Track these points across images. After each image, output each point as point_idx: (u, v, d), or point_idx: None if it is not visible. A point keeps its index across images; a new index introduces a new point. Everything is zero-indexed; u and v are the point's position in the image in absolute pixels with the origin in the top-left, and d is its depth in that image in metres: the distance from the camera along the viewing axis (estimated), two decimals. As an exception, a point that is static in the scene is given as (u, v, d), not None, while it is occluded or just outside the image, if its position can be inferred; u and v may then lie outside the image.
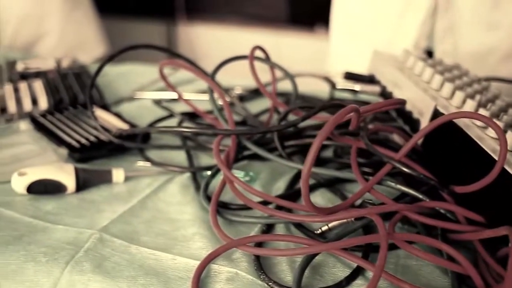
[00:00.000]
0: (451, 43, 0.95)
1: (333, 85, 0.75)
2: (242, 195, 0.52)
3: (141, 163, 0.60)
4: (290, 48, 1.51)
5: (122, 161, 0.62)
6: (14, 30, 1.24)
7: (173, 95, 0.78)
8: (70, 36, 1.32)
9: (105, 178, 0.57)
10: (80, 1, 1.33)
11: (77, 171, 0.55)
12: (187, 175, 0.59)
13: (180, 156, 0.63)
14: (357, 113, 0.48)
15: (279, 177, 0.59)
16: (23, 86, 0.78)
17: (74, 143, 0.62)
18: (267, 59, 0.67)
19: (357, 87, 0.68)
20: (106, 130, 0.61)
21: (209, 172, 0.58)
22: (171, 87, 0.68)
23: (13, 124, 0.69)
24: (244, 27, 1.62)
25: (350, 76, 0.72)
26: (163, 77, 0.67)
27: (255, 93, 0.81)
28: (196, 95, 0.77)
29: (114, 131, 0.60)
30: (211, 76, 0.63)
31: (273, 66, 0.67)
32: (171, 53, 0.66)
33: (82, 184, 0.55)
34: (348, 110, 0.46)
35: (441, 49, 1.02)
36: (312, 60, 1.36)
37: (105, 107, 0.73)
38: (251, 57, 0.63)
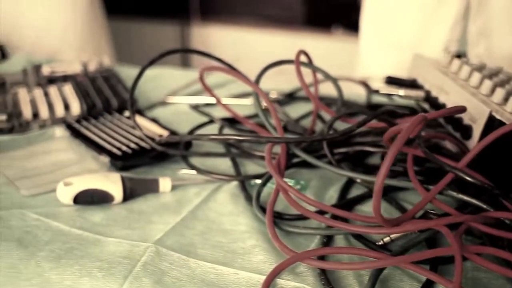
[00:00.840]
0: (484, 46, 0.93)
1: (375, 90, 0.72)
2: (298, 205, 0.50)
3: (185, 171, 0.58)
4: (307, 49, 1.49)
5: (165, 169, 0.60)
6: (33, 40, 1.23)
7: (207, 99, 0.77)
8: (85, 44, 1.30)
9: (152, 188, 0.55)
10: (93, 10, 1.31)
11: (123, 180, 0.53)
12: (234, 183, 0.57)
13: (223, 164, 0.61)
14: (423, 122, 0.47)
15: (329, 185, 0.57)
16: (53, 90, 0.76)
17: (114, 150, 0.60)
18: (310, 63, 0.65)
19: (401, 92, 0.66)
20: (149, 137, 0.59)
21: (257, 181, 0.57)
22: (210, 92, 0.66)
23: (47, 130, 0.67)
24: (259, 28, 1.60)
25: (391, 81, 0.71)
26: (203, 82, 0.65)
27: (289, 97, 0.79)
28: (234, 100, 0.75)
29: (159, 138, 0.58)
30: (255, 81, 0.61)
31: (315, 70, 0.66)
32: (211, 57, 0.64)
33: (129, 194, 0.53)
34: (419, 119, 0.44)
35: (474, 53, 1.00)
36: (329, 62, 1.34)
37: (139, 112, 0.71)
38: (297, 62, 0.61)
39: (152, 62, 0.61)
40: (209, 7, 1.67)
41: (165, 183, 0.55)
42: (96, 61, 0.87)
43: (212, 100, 0.75)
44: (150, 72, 0.91)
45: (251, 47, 1.56)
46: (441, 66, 0.68)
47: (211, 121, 0.67)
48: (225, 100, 0.73)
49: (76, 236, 0.48)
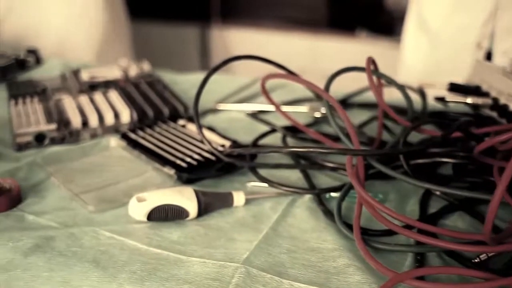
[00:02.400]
0: (511, 43, 0.92)
1: (440, 98, 0.70)
2: (385, 220, 0.48)
3: (256, 184, 0.56)
4: (329, 52, 1.48)
5: (232, 181, 0.57)
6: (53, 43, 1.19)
7: (260, 106, 0.74)
8: (108, 48, 1.27)
9: (226, 202, 0.52)
10: (116, 14, 1.28)
11: (197, 195, 0.51)
12: (308, 196, 0.54)
13: (292, 175, 0.58)
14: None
15: (407, 198, 0.55)
16: (98, 97, 0.73)
17: (178, 162, 0.57)
18: (375, 71, 0.63)
19: (468, 99, 0.64)
20: (214, 147, 0.56)
21: (334, 194, 0.54)
22: (271, 100, 0.63)
23: (101, 140, 0.65)
24: (281, 30, 1.57)
25: (455, 88, 0.69)
26: (265, 91, 0.63)
27: (342, 103, 0.77)
28: (289, 108, 0.72)
29: (229, 150, 0.56)
30: (325, 89, 0.58)
31: (381, 76, 0.63)
32: (275, 64, 0.61)
33: (204, 210, 0.51)
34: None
35: (501, 49, 0.99)
36: (353, 65, 1.32)
37: (192, 120, 0.68)
38: (368, 69, 0.59)
39: (215, 69, 0.58)
40: (230, 10, 1.64)
41: (239, 197, 0.52)
42: (136, 66, 0.84)
43: (266, 107, 0.73)
44: (193, 78, 0.90)
45: (273, 50, 1.53)
46: (507, 73, 0.66)
47: (273, 130, 0.65)
48: (285, 108, 0.70)
49: (155, 255, 0.46)
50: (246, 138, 0.66)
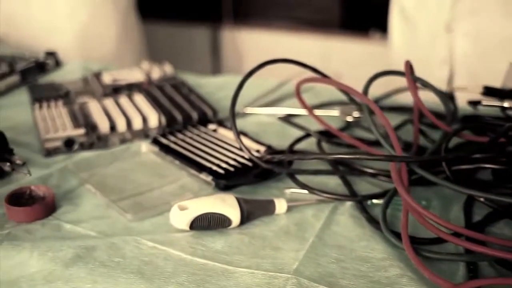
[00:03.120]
0: (472, 25, 0.93)
1: (475, 101, 0.68)
2: (434, 227, 0.46)
3: (293, 190, 0.55)
4: (342, 53, 1.46)
5: (270, 188, 0.56)
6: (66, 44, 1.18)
7: (289, 110, 0.73)
8: (123, 49, 1.26)
9: (268, 210, 0.51)
10: (130, 15, 1.27)
11: (240, 203, 0.49)
12: (349, 203, 0.53)
13: (330, 181, 0.56)
14: None
15: (449, 204, 0.54)
16: (124, 100, 0.72)
17: (215, 168, 0.56)
18: (412, 74, 0.61)
19: (506, 103, 0.63)
20: (251, 153, 0.54)
21: (375, 201, 0.53)
22: (305, 105, 0.62)
23: (131, 145, 0.63)
24: (293, 31, 1.56)
25: (490, 91, 0.68)
26: (299, 95, 0.62)
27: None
28: (323, 111, 0.70)
29: (266, 155, 0.54)
30: (363, 93, 0.57)
31: (417, 80, 0.62)
32: (310, 68, 0.60)
33: (246, 217, 0.49)
34: None
35: (461, 31, 0.99)
36: (366, 67, 1.31)
37: (221, 124, 0.67)
38: (408, 73, 0.57)
39: (251, 73, 0.57)
40: (242, 11, 1.63)
41: (281, 205, 0.51)
42: (158, 68, 0.83)
43: (296, 111, 0.71)
44: (216, 81, 0.88)
45: (285, 51, 1.51)
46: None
47: (308, 135, 0.63)
48: (304, 111, 0.69)
49: (201, 266, 0.44)
50: (277, 142, 0.65)
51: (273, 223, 0.50)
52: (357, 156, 0.51)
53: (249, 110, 0.73)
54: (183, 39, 1.64)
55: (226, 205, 0.49)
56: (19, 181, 0.56)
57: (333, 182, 0.57)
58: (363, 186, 0.57)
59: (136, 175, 0.57)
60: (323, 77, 0.61)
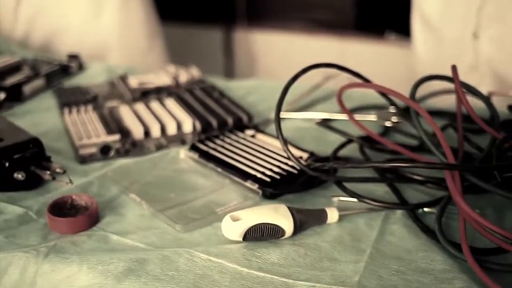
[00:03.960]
0: (496, 31, 0.92)
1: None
2: (494, 237, 0.45)
3: (342, 199, 0.53)
4: (357, 55, 1.45)
5: (317, 196, 0.54)
6: (73, 41, 1.16)
7: (326, 115, 0.71)
8: (130, 43, 1.24)
9: (319, 220, 0.49)
10: (149, 17, 1.25)
11: (292, 212, 0.48)
12: (400, 212, 0.51)
13: (377, 189, 0.55)
14: None
15: (503, 213, 0.52)
16: (155, 105, 0.70)
17: (259, 175, 0.54)
18: (456, 78, 0.60)
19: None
20: (300, 161, 0.53)
21: (427, 209, 0.52)
22: (346, 110, 0.61)
23: (169, 151, 0.61)
24: (308, 33, 1.54)
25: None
26: (340, 101, 0.60)
27: (405, 111, 0.74)
28: (361, 116, 0.69)
29: (312, 162, 0.53)
30: (410, 98, 0.56)
31: (463, 85, 0.60)
32: (352, 73, 0.58)
33: (299, 227, 0.48)
34: None
35: (487, 36, 0.98)
36: (382, 68, 1.30)
37: (257, 128, 0.65)
38: (456, 78, 0.56)
39: (295, 78, 0.55)
40: (256, 12, 1.61)
41: (332, 214, 0.49)
42: (186, 72, 0.81)
43: (333, 116, 0.70)
44: (246, 85, 0.86)
45: (299, 53, 1.50)
46: None
47: (350, 141, 0.62)
48: (341, 116, 0.67)
49: (259, 279, 0.43)
50: (315, 148, 0.63)
51: (326, 233, 0.49)
52: (415, 165, 0.50)
53: (284, 114, 0.71)
54: (196, 41, 1.62)
55: (279, 215, 0.47)
56: (57, 190, 0.54)
57: (380, 189, 0.55)
58: (411, 193, 0.55)
59: (177, 183, 0.56)
60: (365, 82, 0.60)
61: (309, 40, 1.51)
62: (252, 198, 0.53)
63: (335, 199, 0.54)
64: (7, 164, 0.52)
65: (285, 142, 0.53)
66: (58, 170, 0.52)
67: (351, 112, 0.74)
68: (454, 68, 0.58)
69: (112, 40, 1.15)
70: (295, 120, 0.72)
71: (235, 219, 0.46)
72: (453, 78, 0.57)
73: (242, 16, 1.61)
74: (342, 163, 0.53)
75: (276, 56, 1.56)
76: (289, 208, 0.48)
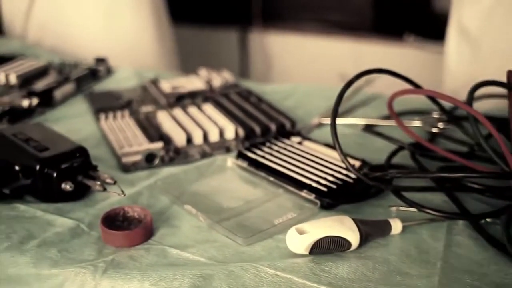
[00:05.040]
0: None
1: None
2: None
3: (401, 208, 0.52)
4: (374, 57, 1.43)
5: (374, 206, 0.52)
6: (85, 46, 1.13)
7: (369, 120, 0.70)
8: (146, 46, 1.21)
9: (383, 231, 0.47)
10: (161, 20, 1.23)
11: (357, 224, 0.46)
12: (461, 222, 0.49)
13: (435, 198, 0.53)
14: None
15: None
16: (194, 110, 0.68)
17: (315, 185, 0.52)
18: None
19: None
20: (356, 169, 0.51)
21: (490, 219, 0.50)
22: (396, 117, 0.59)
23: (214, 159, 0.60)
24: (324, 34, 1.52)
25: None
26: (391, 108, 0.59)
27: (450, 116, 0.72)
28: (407, 122, 0.67)
29: (369, 172, 0.51)
30: (467, 103, 0.54)
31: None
32: (405, 79, 0.57)
33: (364, 240, 0.46)
34: None
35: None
36: (400, 70, 1.28)
37: (300, 134, 0.63)
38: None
39: (350, 84, 0.53)
40: (271, 14, 1.59)
41: (396, 225, 0.48)
42: (219, 76, 0.79)
43: (376, 122, 0.69)
44: (281, 89, 0.85)
45: (315, 55, 1.48)
46: None
47: (401, 148, 0.60)
48: (386, 122, 0.66)
49: (331, 296, 0.41)
50: (360, 154, 0.62)
51: (391, 245, 0.47)
52: (485, 175, 0.49)
53: (325, 120, 0.70)
54: (211, 42, 1.60)
55: (345, 228, 0.45)
56: (105, 201, 0.53)
57: (437, 198, 0.54)
58: (470, 202, 0.53)
59: (228, 192, 0.54)
60: (417, 88, 0.58)
61: (325, 42, 1.49)
62: (309, 208, 0.51)
63: (394, 209, 0.52)
64: (54, 175, 0.50)
65: (345, 155, 0.51)
66: (108, 180, 0.50)
67: (391, 118, 0.73)
68: (509, 73, 0.57)
69: (124, 45, 1.13)
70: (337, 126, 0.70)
71: (301, 232, 0.45)
72: (509, 83, 0.56)
73: (258, 17, 1.59)
74: (405, 172, 0.51)
75: (292, 57, 1.55)
76: (353, 219, 0.47)
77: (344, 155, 0.51)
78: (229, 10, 1.63)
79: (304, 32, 1.53)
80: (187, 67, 1.30)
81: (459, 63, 1.13)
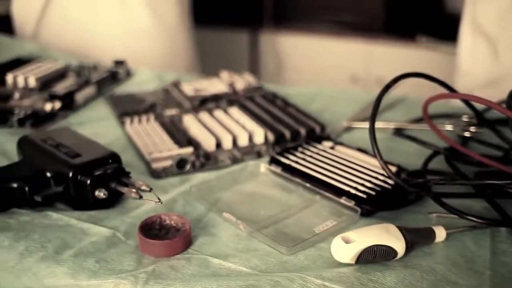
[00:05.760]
0: None
1: None
2: None
3: (441, 215, 0.51)
4: (386, 58, 1.43)
5: (409, 212, 0.51)
6: (104, 47, 1.12)
7: (398, 124, 0.68)
8: (161, 48, 1.20)
9: (428, 239, 0.46)
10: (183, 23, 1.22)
11: (402, 232, 0.45)
12: (504, 229, 0.48)
13: (474, 204, 0.52)
14: None
15: None
16: (220, 114, 0.67)
17: (353, 191, 0.51)
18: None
19: None
20: (397, 176, 0.50)
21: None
22: (431, 123, 0.58)
23: (246, 165, 0.58)
24: (336, 35, 1.51)
25: None
26: (426, 112, 0.58)
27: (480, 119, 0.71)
28: (440, 126, 0.66)
29: (411, 178, 0.50)
30: (507, 107, 0.53)
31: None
32: (442, 84, 0.56)
33: (409, 248, 0.45)
34: None
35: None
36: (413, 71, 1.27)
37: (330, 139, 0.62)
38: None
39: (387, 88, 0.52)
40: (283, 14, 1.57)
41: (440, 233, 0.47)
42: (241, 78, 0.78)
43: (405, 125, 0.68)
44: (306, 92, 0.83)
45: (327, 56, 1.47)
46: None
47: (437, 152, 0.59)
48: (416, 126, 0.65)
49: (380, 306, 0.40)
50: (392, 158, 0.60)
51: (436, 253, 0.46)
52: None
53: (355, 124, 0.68)
54: (222, 43, 1.58)
55: (391, 236, 0.44)
56: (139, 208, 0.51)
57: (477, 204, 0.53)
58: (510, 209, 0.53)
59: (263, 199, 0.53)
60: (452, 92, 0.57)
61: (337, 43, 1.48)
62: (349, 216, 0.50)
63: (434, 215, 0.52)
64: (88, 182, 0.49)
65: (385, 163, 0.50)
66: (144, 187, 0.48)
67: (419, 121, 0.72)
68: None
69: (142, 46, 1.12)
70: (365, 129, 0.69)
71: (347, 241, 0.44)
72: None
73: (269, 18, 1.58)
74: (447, 179, 0.50)
75: (303, 58, 1.53)
76: (398, 227, 0.46)
77: (385, 162, 0.50)
78: (240, 11, 1.62)
79: (316, 33, 1.52)
80: (198, 67, 1.29)
81: (474, 63, 1.12)
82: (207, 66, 1.32)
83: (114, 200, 0.52)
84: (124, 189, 0.49)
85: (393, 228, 0.46)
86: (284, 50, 1.59)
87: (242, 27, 1.63)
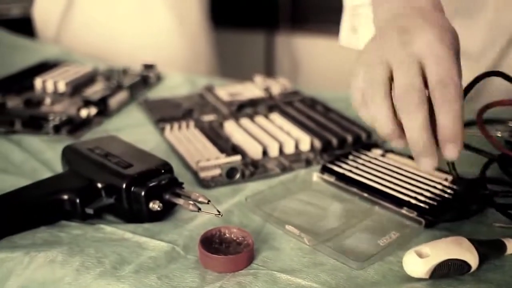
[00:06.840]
0: None
1: None
2: None
3: (508, 226, 0.49)
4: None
5: (472, 222, 0.50)
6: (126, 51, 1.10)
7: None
8: (183, 51, 1.18)
9: (499, 252, 0.45)
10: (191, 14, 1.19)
11: (475, 245, 0.44)
12: None
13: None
14: None
15: None
16: (262, 120, 0.65)
17: (413, 201, 0.50)
18: None
19: None
20: (458, 183, 0.49)
21: None
22: (485, 131, 0.56)
23: (296, 174, 0.57)
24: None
25: None
26: (480, 118, 0.56)
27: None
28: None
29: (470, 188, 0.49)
30: None
31: None
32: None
33: (482, 261, 0.44)
34: None
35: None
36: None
37: (380, 146, 0.61)
38: None
39: (468, 90, 0.51)
40: (299, 16, 1.55)
41: (510, 245, 0.46)
42: (276, 82, 0.76)
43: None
44: (343, 96, 0.81)
45: (342, 58, 1.45)
46: None
47: (492, 160, 0.58)
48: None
49: (461, 324, 0.39)
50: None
51: (507, 266, 0.44)
52: None
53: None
54: (238, 44, 1.56)
55: (464, 249, 0.43)
56: (194, 220, 0.49)
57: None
58: None
59: (320, 210, 0.51)
60: None
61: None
62: (412, 227, 0.48)
63: (498, 225, 0.50)
64: (142, 193, 0.47)
65: (457, 172, 0.49)
66: (201, 199, 0.47)
67: (468, 126, 0.70)
68: None
69: (164, 50, 1.10)
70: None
71: (420, 255, 0.42)
72: None
73: (285, 20, 1.56)
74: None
75: (319, 60, 1.52)
76: (469, 240, 0.44)
77: (457, 173, 0.49)
78: (256, 12, 1.60)
79: (332, 35, 1.50)
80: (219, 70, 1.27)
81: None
82: (222, 68, 1.30)
83: (167, 212, 0.50)
84: (180, 201, 0.48)
85: (464, 241, 0.44)
86: (300, 51, 1.58)
87: (258, 29, 1.62)
